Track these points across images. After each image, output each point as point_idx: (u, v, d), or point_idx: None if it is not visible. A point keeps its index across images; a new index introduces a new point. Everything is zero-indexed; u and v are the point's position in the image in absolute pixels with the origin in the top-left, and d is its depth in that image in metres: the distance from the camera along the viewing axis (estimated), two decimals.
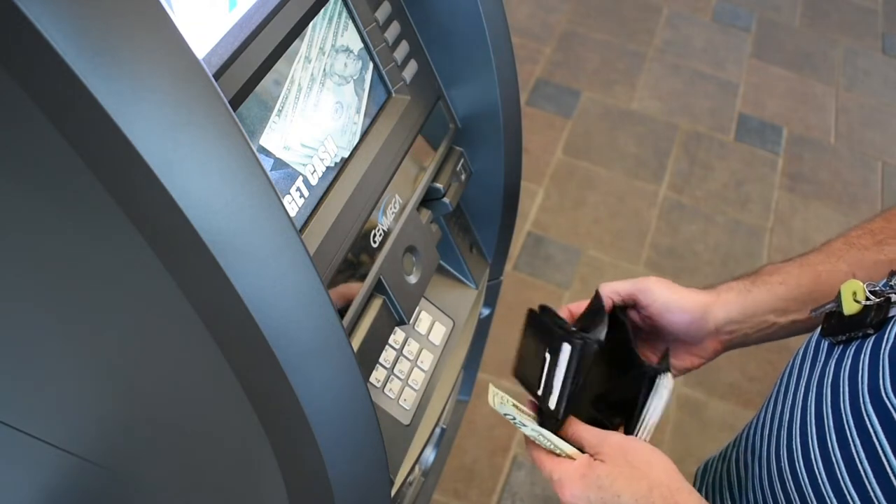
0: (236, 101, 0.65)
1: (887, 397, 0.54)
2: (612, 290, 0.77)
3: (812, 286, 0.75)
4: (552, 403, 0.71)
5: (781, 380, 0.70)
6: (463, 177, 0.93)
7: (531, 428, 0.71)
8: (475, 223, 1.03)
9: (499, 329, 1.94)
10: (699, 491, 0.77)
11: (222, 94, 0.50)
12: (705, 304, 0.76)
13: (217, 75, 0.64)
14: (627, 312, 0.78)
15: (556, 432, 0.70)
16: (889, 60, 2.99)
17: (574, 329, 0.73)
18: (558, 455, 0.70)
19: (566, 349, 0.70)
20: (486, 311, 1.13)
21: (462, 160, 0.93)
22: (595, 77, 2.68)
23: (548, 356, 0.72)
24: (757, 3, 3.12)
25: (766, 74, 2.83)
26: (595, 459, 0.66)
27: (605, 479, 0.64)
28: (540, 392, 0.73)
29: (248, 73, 0.67)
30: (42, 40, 0.42)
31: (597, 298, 0.77)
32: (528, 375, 0.75)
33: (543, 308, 0.76)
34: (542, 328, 0.74)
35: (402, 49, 0.85)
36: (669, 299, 0.76)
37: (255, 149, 0.57)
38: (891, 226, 0.76)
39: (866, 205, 2.45)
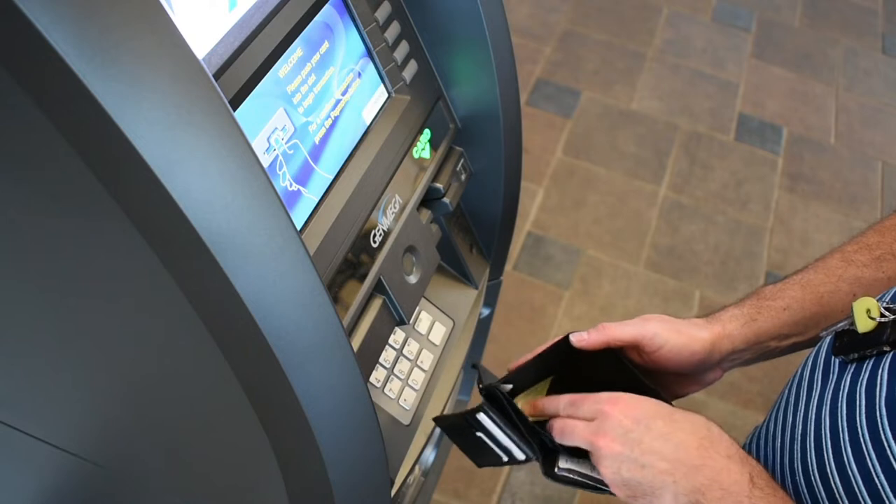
0: (236, 101, 0.65)
1: None
2: (615, 337, 0.74)
3: (815, 309, 0.74)
4: (521, 455, 0.74)
5: (790, 391, 0.70)
6: (463, 177, 0.93)
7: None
8: (475, 223, 1.03)
9: (499, 329, 1.95)
10: None
11: (222, 94, 0.50)
12: (711, 340, 0.74)
13: (217, 75, 0.64)
14: (627, 352, 0.76)
15: (550, 454, 0.72)
16: (889, 60, 2.99)
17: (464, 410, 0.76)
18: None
19: (482, 417, 0.73)
20: (486, 311, 1.13)
21: (462, 160, 0.93)
22: (595, 77, 2.68)
23: (480, 435, 0.74)
24: (757, 3, 3.12)
25: (766, 74, 2.83)
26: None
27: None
28: (506, 459, 0.75)
29: (248, 73, 0.67)
30: (42, 40, 0.42)
31: (563, 342, 0.75)
32: (488, 459, 0.77)
33: (439, 418, 0.81)
34: (452, 426, 0.78)
35: (402, 49, 0.85)
36: (677, 344, 0.73)
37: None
38: (885, 240, 0.75)
39: (866, 205, 2.45)
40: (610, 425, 0.65)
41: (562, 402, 0.71)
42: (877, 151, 2.64)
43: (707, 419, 0.66)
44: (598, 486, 0.70)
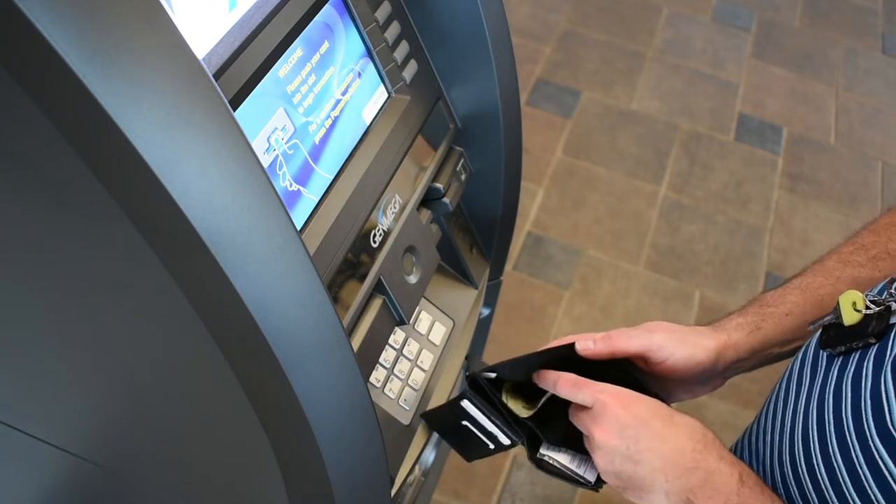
0: (236, 101, 0.65)
1: (889, 407, 0.54)
2: (621, 349, 0.73)
3: (816, 312, 0.74)
4: (506, 441, 0.76)
5: (781, 385, 0.70)
6: (463, 177, 0.93)
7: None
8: (475, 223, 1.03)
9: (499, 329, 1.94)
10: None
11: (222, 94, 0.50)
12: (716, 350, 0.74)
13: (217, 75, 0.64)
14: (632, 361, 0.76)
15: (538, 442, 0.74)
16: (889, 60, 2.99)
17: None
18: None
19: (466, 404, 0.75)
20: (486, 311, 1.13)
21: (462, 160, 0.93)
22: (595, 77, 2.68)
23: (466, 423, 0.76)
24: (757, 3, 3.12)
25: (766, 74, 2.83)
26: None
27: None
28: (492, 446, 0.77)
29: (248, 73, 0.67)
30: (42, 40, 0.42)
31: (568, 347, 0.74)
32: (477, 451, 0.79)
33: (426, 413, 0.83)
34: (440, 418, 0.79)
35: (402, 49, 0.85)
36: (683, 354, 0.73)
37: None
38: (880, 239, 0.76)
39: (866, 205, 2.45)
40: (608, 418, 0.67)
41: (560, 380, 0.72)
42: (877, 151, 2.64)
43: (703, 425, 0.67)
44: (577, 479, 0.71)
